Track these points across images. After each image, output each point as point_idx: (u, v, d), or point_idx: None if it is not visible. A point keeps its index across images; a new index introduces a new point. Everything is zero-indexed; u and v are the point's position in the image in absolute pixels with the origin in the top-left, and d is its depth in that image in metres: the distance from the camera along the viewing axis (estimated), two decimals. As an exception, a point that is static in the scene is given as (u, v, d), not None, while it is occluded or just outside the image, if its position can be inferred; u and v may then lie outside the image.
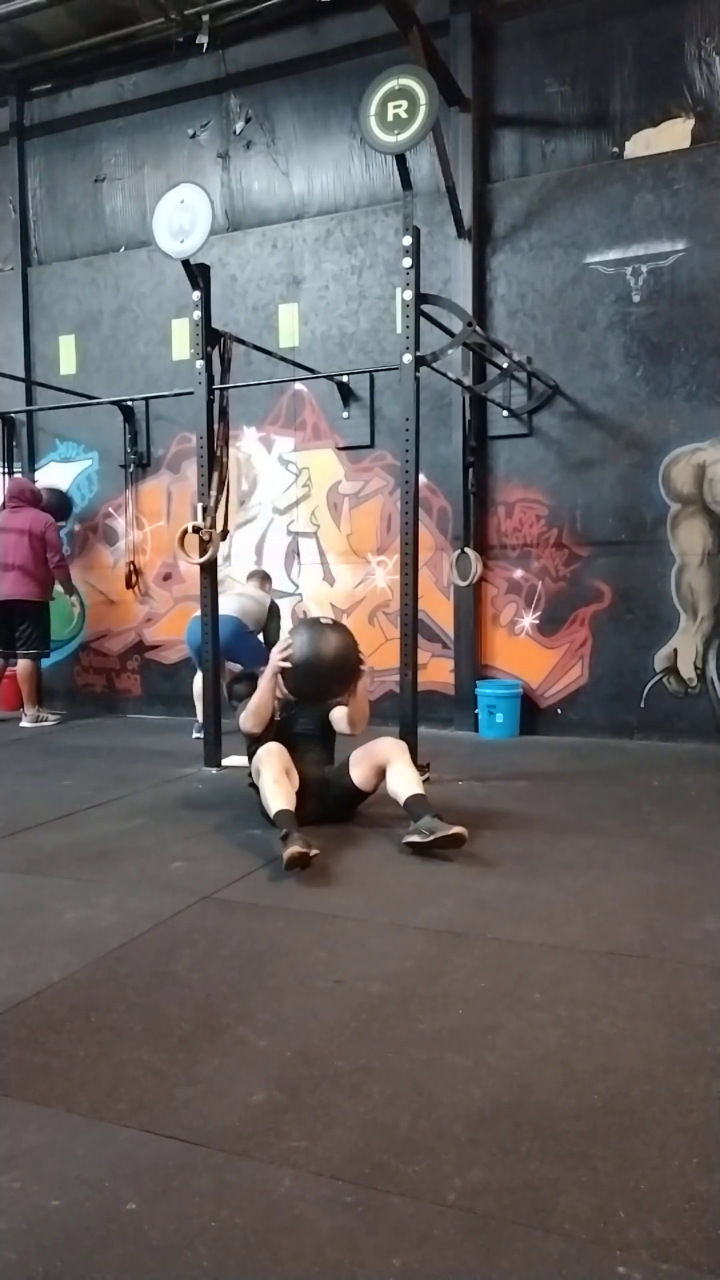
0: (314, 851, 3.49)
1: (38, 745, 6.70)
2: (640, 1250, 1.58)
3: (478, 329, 5.97)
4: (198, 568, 5.67)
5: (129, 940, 2.94)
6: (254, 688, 4.22)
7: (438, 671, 7.04)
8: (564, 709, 6.78)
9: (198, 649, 5.91)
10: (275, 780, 3.85)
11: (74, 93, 8.23)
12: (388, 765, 4.05)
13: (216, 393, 5.65)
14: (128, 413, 7.92)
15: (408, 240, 4.86)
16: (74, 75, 8.13)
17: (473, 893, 3.37)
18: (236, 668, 6.22)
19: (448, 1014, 2.44)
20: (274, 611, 6.71)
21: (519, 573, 6.87)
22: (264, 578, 7.02)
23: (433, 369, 5.29)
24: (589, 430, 6.62)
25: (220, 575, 5.87)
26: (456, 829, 3.71)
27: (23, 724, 7.43)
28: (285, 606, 7.40)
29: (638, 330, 6.44)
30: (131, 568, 8.03)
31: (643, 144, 6.44)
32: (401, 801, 3.91)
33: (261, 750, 4.02)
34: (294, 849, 3.43)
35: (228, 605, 6.15)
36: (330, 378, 6.99)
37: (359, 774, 4.13)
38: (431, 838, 3.71)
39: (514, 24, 6.74)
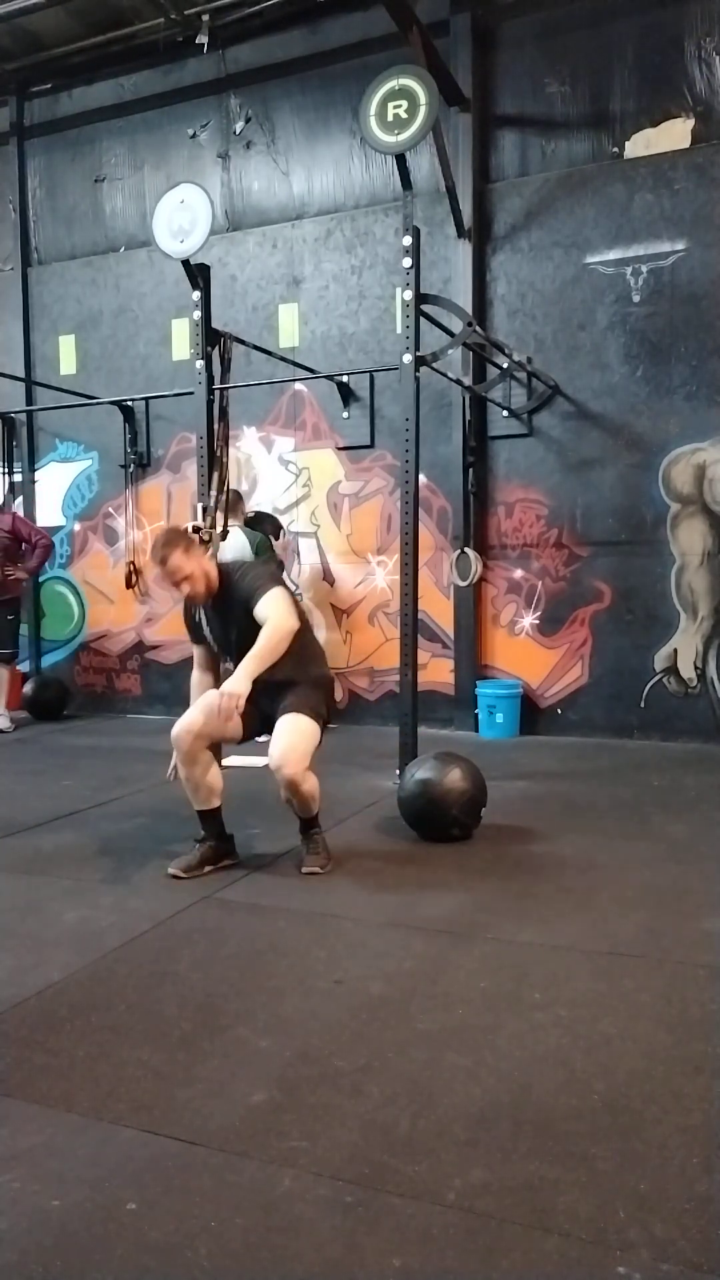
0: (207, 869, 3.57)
1: (38, 745, 6.70)
2: (640, 1250, 1.58)
3: (478, 329, 5.97)
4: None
5: (129, 940, 2.94)
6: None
7: (438, 671, 7.04)
8: (564, 709, 6.78)
9: None
10: (187, 777, 3.63)
11: (74, 93, 8.23)
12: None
13: (216, 393, 5.65)
14: (128, 413, 7.91)
15: (408, 240, 4.86)
16: (74, 75, 8.13)
17: (473, 893, 3.37)
18: None
19: (448, 1014, 2.44)
20: (259, 544, 6.31)
21: (519, 573, 6.87)
22: (235, 500, 6.38)
23: (433, 369, 5.29)
24: (589, 430, 6.62)
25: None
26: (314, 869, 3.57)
27: None
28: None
29: (638, 330, 6.43)
30: (131, 568, 8.02)
31: (643, 144, 6.44)
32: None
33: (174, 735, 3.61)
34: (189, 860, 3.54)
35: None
36: (330, 378, 6.99)
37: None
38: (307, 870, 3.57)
39: (514, 24, 6.74)
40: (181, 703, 3.77)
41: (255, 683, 3.34)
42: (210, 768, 3.67)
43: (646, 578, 6.50)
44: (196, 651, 3.85)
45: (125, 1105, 2.03)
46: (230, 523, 6.19)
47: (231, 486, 6.44)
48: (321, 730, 3.68)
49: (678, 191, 6.30)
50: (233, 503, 6.23)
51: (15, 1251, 1.59)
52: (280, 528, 6.92)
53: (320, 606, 7.45)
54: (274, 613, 3.46)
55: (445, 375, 6.06)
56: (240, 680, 3.30)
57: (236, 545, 6.28)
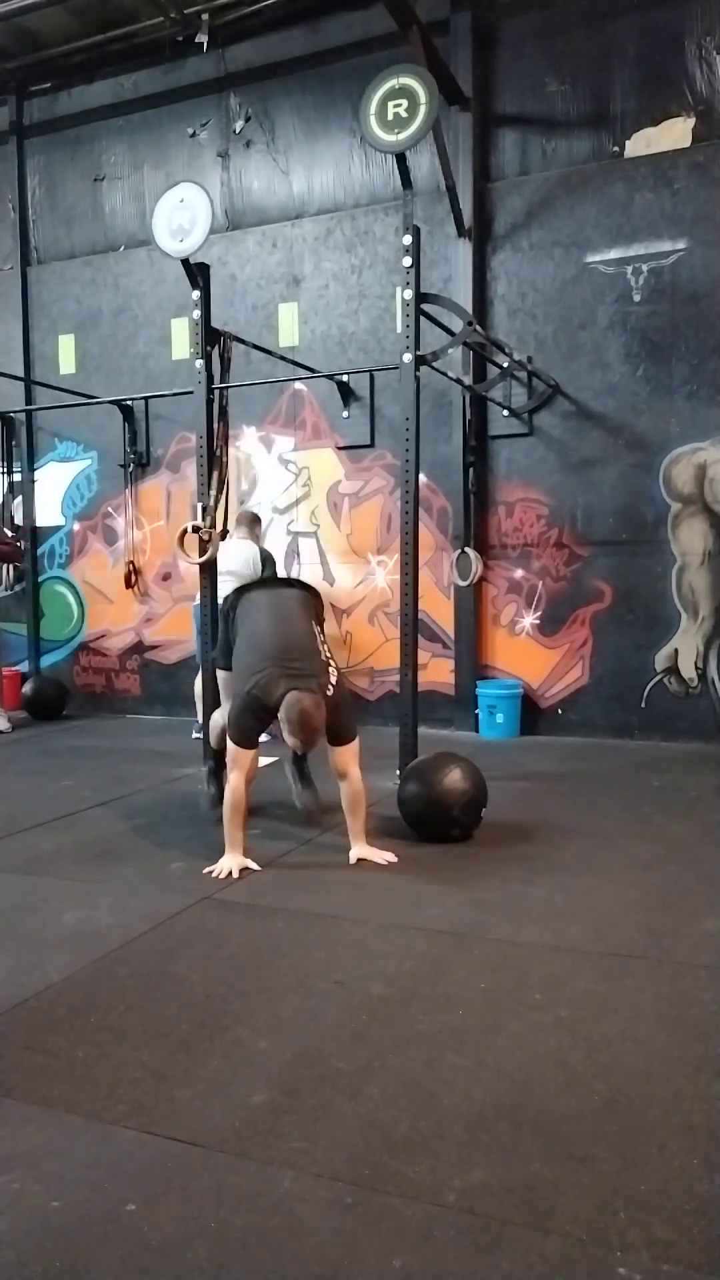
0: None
1: (37, 745, 6.69)
2: (641, 1251, 1.57)
3: (478, 328, 5.97)
4: (197, 567, 5.66)
5: (128, 941, 2.94)
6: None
7: (438, 671, 7.03)
8: (564, 709, 6.78)
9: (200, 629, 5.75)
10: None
11: (74, 92, 8.22)
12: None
13: (216, 392, 5.64)
14: (127, 412, 7.91)
15: (408, 239, 4.85)
16: (74, 75, 8.12)
17: (473, 893, 3.37)
18: None
19: (448, 1015, 2.43)
20: (267, 560, 6.59)
21: (519, 572, 6.86)
22: (253, 521, 6.85)
23: (433, 368, 5.28)
24: (589, 430, 6.61)
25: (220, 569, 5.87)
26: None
27: None
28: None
29: (638, 329, 6.43)
30: (131, 567, 8.02)
31: (643, 143, 6.43)
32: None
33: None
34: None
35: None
36: (330, 377, 6.98)
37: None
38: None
39: (514, 23, 6.73)
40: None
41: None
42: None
43: (647, 577, 6.50)
44: (245, 757, 3.70)
45: (125, 1106, 2.03)
46: (244, 539, 6.61)
47: (247, 507, 7.08)
48: None
49: (678, 190, 6.29)
50: (249, 523, 6.76)
51: (15, 1252, 1.59)
52: (258, 520, 7.01)
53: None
54: (355, 770, 3.82)
55: (445, 375, 6.05)
56: (365, 847, 3.78)
57: (247, 557, 6.48)
